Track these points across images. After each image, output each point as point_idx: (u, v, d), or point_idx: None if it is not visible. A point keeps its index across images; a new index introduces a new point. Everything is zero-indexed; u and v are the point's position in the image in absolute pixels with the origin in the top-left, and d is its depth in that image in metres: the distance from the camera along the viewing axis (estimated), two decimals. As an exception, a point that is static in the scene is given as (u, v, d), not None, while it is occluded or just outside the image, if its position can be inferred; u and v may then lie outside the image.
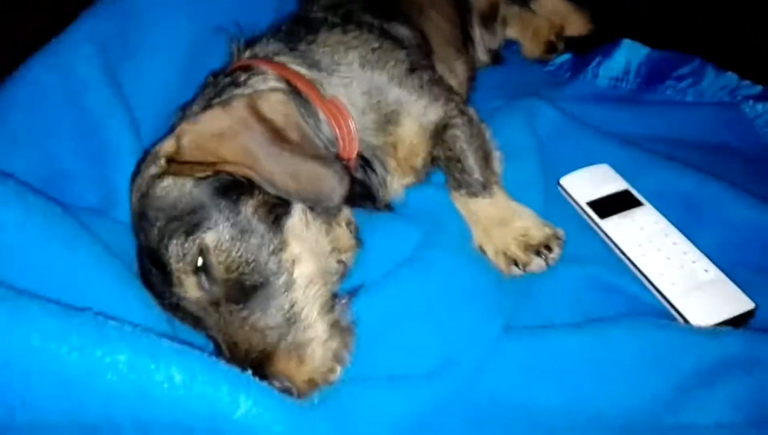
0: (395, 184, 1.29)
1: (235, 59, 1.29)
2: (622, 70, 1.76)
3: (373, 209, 1.29)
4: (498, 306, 1.08)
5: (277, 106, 1.04)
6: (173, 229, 0.92)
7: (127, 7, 1.22)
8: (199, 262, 0.92)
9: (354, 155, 1.20)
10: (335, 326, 0.97)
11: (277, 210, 1.00)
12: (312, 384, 0.91)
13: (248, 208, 0.97)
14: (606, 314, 1.10)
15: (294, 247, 0.99)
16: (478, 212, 1.22)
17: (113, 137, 1.09)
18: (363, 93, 1.22)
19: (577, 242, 1.22)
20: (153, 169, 0.98)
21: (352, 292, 1.05)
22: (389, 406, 0.90)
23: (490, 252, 1.19)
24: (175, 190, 0.95)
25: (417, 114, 1.25)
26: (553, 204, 1.32)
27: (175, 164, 0.96)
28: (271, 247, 0.97)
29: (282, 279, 0.96)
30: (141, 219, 0.96)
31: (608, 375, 0.98)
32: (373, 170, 1.25)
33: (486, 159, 1.26)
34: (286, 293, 0.95)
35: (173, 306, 0.96)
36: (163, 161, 0.97)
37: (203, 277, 0.93)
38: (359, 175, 1.23)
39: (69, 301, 0.79)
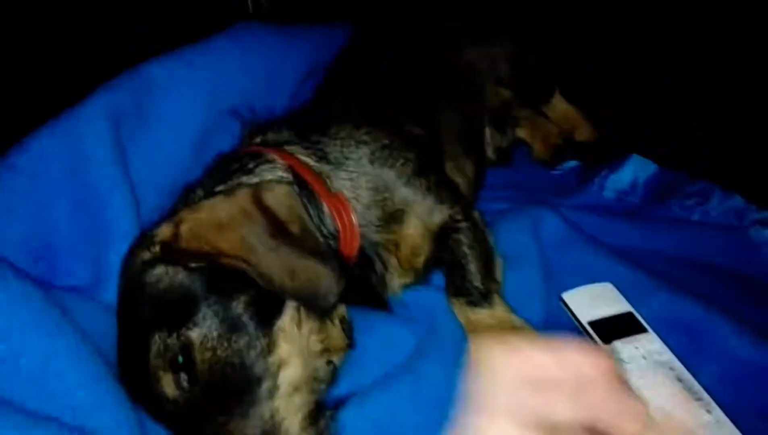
0: (395, 283, 1.27)
1: (246, 143, 1.29)
2: (630, 184, 1.76)
3: (371, 307, 1.25)
4: None
5: (281, 198, 1.03)
6: (158, 322, 0.88)
7: (145, 82, 1.22)
8: (180, 359, 0.87)
9: (354, 251, 1.17)
10: None
11: (269, 307, 0.96)
12: None
13: (240, 304, 0.93)
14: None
15: (282, 350, 0.95)
16: (477, 323, 1.18)
17: (112, 214, 1.06)
18: (369, 189, 1.21)
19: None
20: (146, 255, 0.95)
21: (339, 403, 1.00)
22: None
23: None
24: (166, 278, 0.92)
25: (422, 214, 1.24)
26: (554, 317, 1.28)
27: (171, 252, 0.93)
28: (259, 349, 0.92)
29: (266, 384, 0.91)
30: (126, 305, 0.93)
31: None
32: (373, 268, 1.22)
33: (488, 267, 1.24)
34: (269, 400, 0.90)
35: (148, 403, 0.91)
36: (157, 247, 0.94)
37: (182, 376, 0.88)
38: (358, 271, 1.20)
39: (35, 393, 0.74)
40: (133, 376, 0.91)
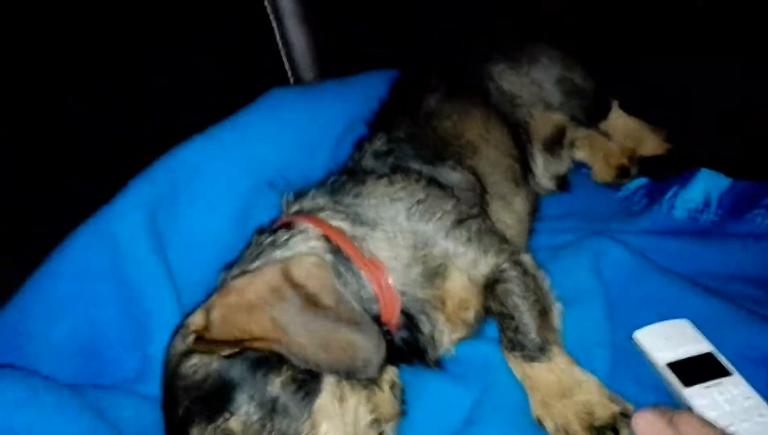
0: (445, 340, 1.21)
1: (285, 213, 1.29)
2: (702, 202, 1.61)
3: (423, 366, 1.20)
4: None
5: (311, 270, 1.01)
6: (196, 412, 0.88)
7: (178, 166, 1.25)
8: None
9: (396, 315, 1.13)
10: None
11: (307, 386, 0.94)
12: None
13: (276, 386, 0.91)
14: None
15: (324, 429, 0.92)
16: (536, 379, 1.10)
17: (152, 305, 1.09)
18: (408, 247, 1.17)
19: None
20: (181, 346, 0.96)
21: None
22: None
23: (549, 427, 1.06)
24: (201, 369, 0.92)
25: (465, 267, 1.18)
26: (622, 363, 1.17)
27: (203, 342, 0.93)
28: (300, 430, 0.90)
29: None
30: (168, 397, 0.94)
31: None
32: (419, 328, 1.17)
33: (543, 315, 1.16)
34: None
35: None
36: (191, 338, 0.94)
37: None
38: (404, 334, 1.16)
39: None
40: None
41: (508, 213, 1.48)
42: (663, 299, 1.29)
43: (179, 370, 0.94)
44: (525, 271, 1.20)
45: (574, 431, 1.02)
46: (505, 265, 1.19)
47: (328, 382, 0.96)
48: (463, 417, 1.09)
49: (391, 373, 1.15)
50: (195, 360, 0.93)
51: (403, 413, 1.12)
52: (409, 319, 1.16)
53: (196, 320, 0.97)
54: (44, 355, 1.00)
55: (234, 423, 0.87)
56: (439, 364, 1.21)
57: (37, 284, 1.04)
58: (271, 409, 0.89)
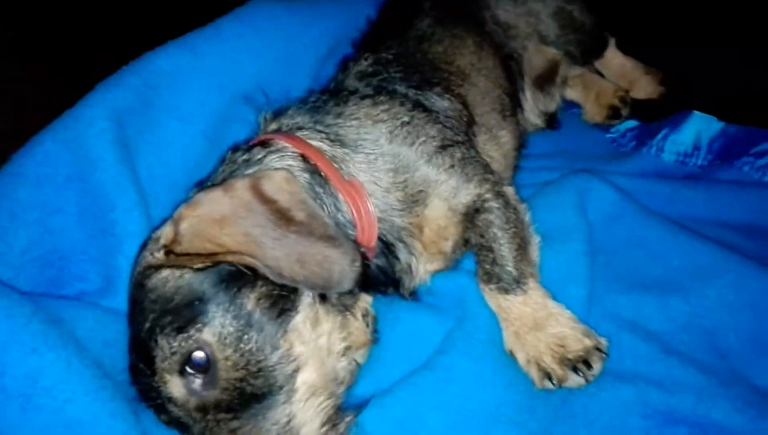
0: (421, 270, 1.18)
1: (262, 130, 1.23)
2: (692, 145, 1.57)
3: (398, 296, 1.18)
4: (524, 430, 0.93)
5: (281, 184, 0.97)
6: (165, 324, 0.85)
7: (149, 76, 1.18)
8: (199, 354, 0.83)
9: (373, 239, 1.09)
10: None
11: (281, 303, 0.91)
12: None
13: (251, 301, 0.88)
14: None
15: (298, 351, 0.90)
16: (510, 311, 1.08)
17: (118, 216, 1.04)
18: (388, 170, 1.13)
19: (630, 354, 1.06)
20: (151, 259, 0.92)
21: (360, 405, 0.94)
22: None
23: (521, 359, 1.05)
24: (171, 282, 0.88)
25: (446, 195, 1.14)
26: (600, 302, 1.16)
27: (173, 256, 0.89)
28: (274, 349, 0.88)
29: (282, 387, 0.87)
30: (135, 309, 0.90)
31: None
32: (396, 256, 1.14)
33: (522, 248, 1.12)
34: (284, 404, 0.86)
35: (158, 407, 0.88)
36: (161, 253, 0.90)
37: (191, 378, 0.84)
38: (380, 261, 1.12)
39: (22, 411, 0.72)
40: (142, 379, 0.88)
41: (494, 146, 1.43)
42: (646, 241, 1.27)
43: (147, 283, 0.89)
44: (507, 203, 1.16)
45: (545, 363, 1.01)
46: (488, 196, 1.15)
47: (304, 304, 0.93)
48: (435, 347, 1.07)
49: (364, 301, 1.13)
50: (165, 273, 0.89)
51: (374, 341, 1.10)
52: (386, 247, 1.12)
53: (165, 233, 0.92)
54: (3, 262, 0.95)
55: (207, 334, 0.84)
56: (414, 294, 1.18)
57: (-3, 185, 0.98)
58: (246, 323, 0.86)
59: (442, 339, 1.07)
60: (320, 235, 0.93)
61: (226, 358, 0.84)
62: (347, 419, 0.90)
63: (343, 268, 0.91)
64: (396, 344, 1.09)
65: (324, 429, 0.87)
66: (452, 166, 1.14)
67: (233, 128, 1.29)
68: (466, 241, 1.18)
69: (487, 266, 1.11)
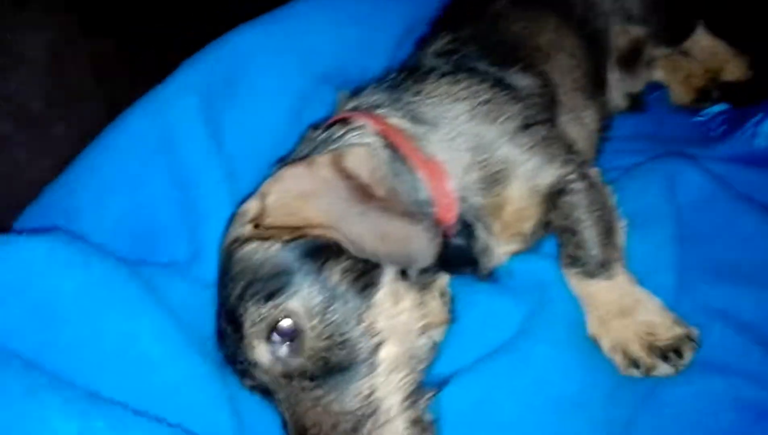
0: (500, 251, 1.15)
1: (341, 109, 1.24)
2: (790, 130, 1.47)
3: (475, 277, 1.16)
4: (608, 419, 0.90)
5: (362, 161, 0.97)
6: (254, 292, 0.87)
7: (231, 55, 1.20)
8: (286, 323, 0.85)
9: (452, 219, 1.08)
10: (416, 424, 0.86)
11: (365, 278, 0.91)
12: None
13: (335, 274, 0.89)
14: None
15: (381, 325, 0.90)
16: (595, 296, 1.04)
17: (206, 190, 1.07)
18: (468, 149, 1.10)
19: (721, 346, 1.00)
20: (239, 232, 0.94)
21: (439, 386, 0.94)
22: None
23: (605, 346, 1.01)
24: (260, 253, 0.90)
25: (527, 175, 1.11)
26: (689, 291, 1.10)
27: (261, 228, 0.92)
28: (358, 323, 0.88)
29: (365, 360, 0.87)
30: (224, 278, 0.93)
31: None
32: (475, 235, 1.12)
33: (608, 232, 1.08)
34: (367, 377, 0.87)
35: (243, 372, 0.91)
36: (249, 227, 0.93)
37: (278, 346, 0.86)
38: (458, 240, 1.10)
39: (119, 374, 0.74)
40: (229, 345, 0.90)
41: (577, 127, 1.38)
42: (739, 228, 1.20)
43: (236, 254, 0.92)
44: (591, 185, 1.12)
45: (632, 351, 0.97)
46: (571, 177, 1.11)
47: (386, 280, 0.93)
48: (512, 330, 1.05)
49: (441, 281, 1.12)
50: (253, 245, 0.91)
51: (452, 321, 1.09)
52: (465, 226, 1.11)
53: (252, 207, 0.95)
54: (94, 231, 0.99)
55: (295, 303, 0.86)
56: (491, 276, 1.16)
57: (89, 159, 1.03)
58: (332, 295, 0.88)
59: (521, 322, 1.05)
60: (400, 212, 0.93)
61: (312, 328, 0.86)
62: (428, 396, 0.90)
63: (422, 244, 0.91)
64: (473, 326, 1.07)
65: (406, 403, 0.87)
66: (534, 146, 1.11)
67: (312, 108, 1.29)
68: (547, 224, 1.15)
69: (571, 250, 1.07)
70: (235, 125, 1.19)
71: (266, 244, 0.90)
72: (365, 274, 0.91)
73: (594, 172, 1.16)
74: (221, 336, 0.93)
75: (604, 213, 1.10)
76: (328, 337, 0.86)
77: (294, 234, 0.90)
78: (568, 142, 1.18)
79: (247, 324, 0.86)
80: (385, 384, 0.87)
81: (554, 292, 1.09)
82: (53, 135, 1.12)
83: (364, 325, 0.88)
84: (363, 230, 0.89)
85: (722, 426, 0.93)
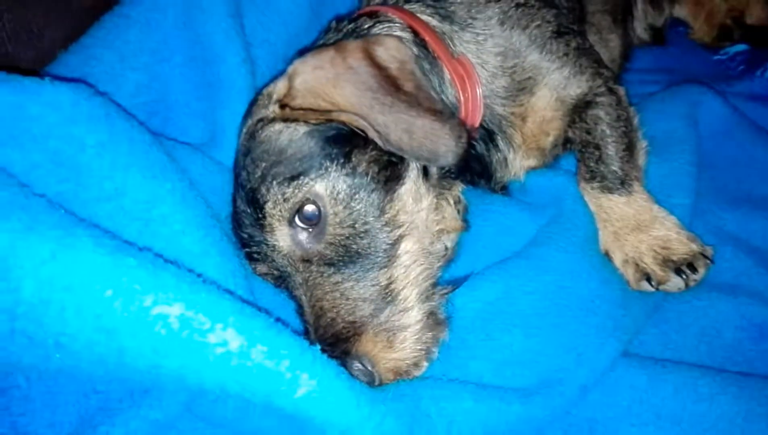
0: (517, 164, 1.14)
1: (366, 2, 1.19)
2: (810, 72, 1.46)
3: (488, 190, 1.15)
4: (618, 326, 0.91)
5: (392, 52, 0.94)
6: (278, 173, 0.85)
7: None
8: (310, 208, 0.83)
9: (477, 122, 1.06)
10: (431, 317, 0.87)
11: (390, 171, 0.90)
12: (395, 374, 0.82)
13: (362, 162, 0.88)
14: (753, 365, 0.91)
15: (402, 219, 0.89)
16: (611, 211, 1.04)
17: (227, 71, 1.02)
18: (497, 54, 1.07)
19: (730, 267, 1.02)
20: (264, 112, 0.91)
21: (456, 283, 0.94)
22: (473, 418, 0.78)
23: (617, 259, 1.02)
24: (285, 134, 0.88)
25: (556, 84, 1.08)
26: (703, 215, 1.11)
27: (288, 109, 0.89)
28: (382, 213, 0.87)
29: (385, 251, 0.87)
30: (246, 158, 0.89)
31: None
32: (496, 144, 1.10)
33: (629, 149, 1.07)
34: (386, 268, 0.86)
35: (259, 255, 0.89)
36: (276, 107, 0.90)
37: (302, 230, 0.85)
38: (480, 148, 1.09)
39: (139, 235, 0.73)
40: (247, 227, 0.88)
41: (603, 49, 1.35)
42: (755, 158, 1.20)
43: (260, 134, 0.89)
44: (619, 101, 1.10)
45: (645, 264, 0.98)
46: (600, 90, 1.09)
47: (410, 176, 0.92)
48: (526, 240, 1.05)
49: (456, 189, 1.11)
50: (278, 126, 0.88)
51: (464, 228, 1.08)
52: (488, 134, 1.09)
53: (279, 88, 0.92)
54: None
55: (320, 186, 0.84)
56: (504, 189, 1.16)
57: (107, 27, 0.98)
58: (357, 183, 0.86)
59: (536, 233, 1.04)
60: (427, 108, 0.90)
61: (335, 214, 0.84)
62: (443, 292, 0.90)
63: (449, 142, 0.89)
64: (487, 235, 1.07)
65: (423, 296, 0.87)
66: (566, 55, 1.08)
67: (335, 2, 1.25)
68: (566, 141, 1.13)
69: (592, 164, 1.06)
70: (256, 11, 1.14)
71: (292, 125, 0.88)
72: (390, 166, 0.90)
73: (621, 90, 1.14)
74: (237, 219, 0.91)
75: (628, 130, 1.09)
76: (350, 225, 0.85)
77: (321, 117, 0.87)
78: (598, 56, 1.16)
79: (269, 205, 0.84)
80: (404, 276, 0.87)
81: (570, 207, 1.08)
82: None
83: (386, 216, 0.87)
84: (389, 121, 0.87)
85: (725, 342, 0.95)
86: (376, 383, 0.80)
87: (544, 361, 0.86)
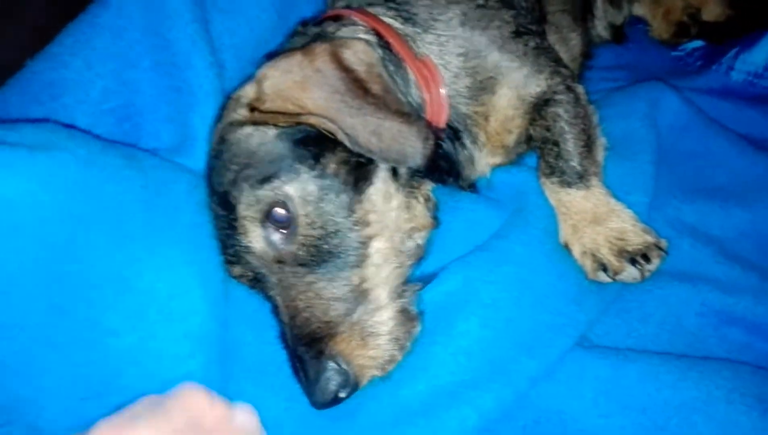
0: (483, 162, 1.17)
1: (330, 6, 1.21)
2: (763, 66, 1.51)
3: (456, 187, 1.17)
4: (570, 322, 0.95)
5: (359, 55, 0.96)
6: (248, 175, 0.87)
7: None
8: (280, 211, 0.85)
9: (441, 123, 1.08)
10: (403, 313, 0.89)
11: (359, 172, 0.92)
12: (368, 371, 0.84)
13: (331, 164, 0.90)
14: (713, 351, 0.95)
15: (372, 219, 0.92)
16: (570, 205, 1.07)
17: (194, 75, 1.02)
18: (459, 54, 1.10)
19: (689, 257, 1.06)
20: (234, 116, 0.93)
21: (426, 280, 0.97)
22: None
23: (576, 251, 1.05)
24: (255, 137, 0.89)
25: (516, 83, 1.11)
26: (662, 207, 1.15)
27: (258, 112, 0.90)
28: (351, 213, 0.89)
29: (357, 250, 0.89)
30: (217, 161, 0.91)
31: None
32: (462, 143, 1.13)
33: (588, 146, 1.11)
34: (358, 267, 0.89)
35: (234, 258, 0.90)
36: (245, 110, 0.91)
37: (274, 232, 0.87)
38: (447, 146, 1.11)
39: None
40: (221, 230, 0.90)
41: (563, 48, 1.39)
42: (711, 151, 1.25)
43: (230, 137, 0.90)
44: (577, 99, 1.13)
45: (602, 256, 1.02)
46: (558, 88, 1.12)
47: (379, 177, 0.94)
48: (489, 234, 1.08)
49: (426, 187, 1.13)
50: (248, 129, 0.90)
51: (435, 226, 1.10)
52: (453, 132, 1.11)
53: (248, 92, 0.93)
54: (79, 107, 0.95)
55: (290, 188, 0.86)
56: (472, 187, 1.18)
57: (73, 35, 0.98)
58: (327, 184, 0.88)
59: (499, 227, 1.07)
60: (395, 111, 0.92)
61: (306, 215, 0.86)
62: (414, 289, 0.93)
63: (416, 144, 0.91)
64: (455, 231, 1.08)
65: (394, 294, 0.89)
66: (525, 55, 1.11)
67: (300, 5, 1.26)
68: (529, 139, 1.16)
69: (551, 160, 1.10)
70: (222, 16, 1.14)
71: (262, 128, 0.89)
72: (359, 168, 0.92)
73: (580, 88, 1.18)
74: (211, 222, 0.91)
75: (586, 127, 1.12)
76: (321, 226, 0.87)
77: (291, 120, 0.89)
78: (556, 56, 1.19)
79: (241, 207, 0.86)
80: (376, 274, 0.89)
81: (532, 201, 1.11)
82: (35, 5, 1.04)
83: (356, 216, 0.89)
84: (357, 124, 0.89)
85: (686, 329, 0.99)
86: (351, 381, 0.82)
87: (496, 352, 0.89)
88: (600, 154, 1.14)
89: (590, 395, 0.87)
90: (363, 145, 0.89)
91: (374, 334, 0.85)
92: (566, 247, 1.07)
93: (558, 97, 1.11)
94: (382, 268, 0.90)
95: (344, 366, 0.82)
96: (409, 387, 0.84)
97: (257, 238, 0.87)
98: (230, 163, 0.88)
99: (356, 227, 0.89)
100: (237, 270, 0.92)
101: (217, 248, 0.91)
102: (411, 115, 0.94)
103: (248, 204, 0.86)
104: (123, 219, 0.78)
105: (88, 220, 0.73)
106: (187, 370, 0.78)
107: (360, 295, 0.87)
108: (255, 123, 0.89)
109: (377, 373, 0.85)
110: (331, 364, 0.81)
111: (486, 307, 0.93)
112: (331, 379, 0.81)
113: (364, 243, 0.89)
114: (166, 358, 0.78)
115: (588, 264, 1.03)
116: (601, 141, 1.16)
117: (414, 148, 0.91)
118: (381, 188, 0.94)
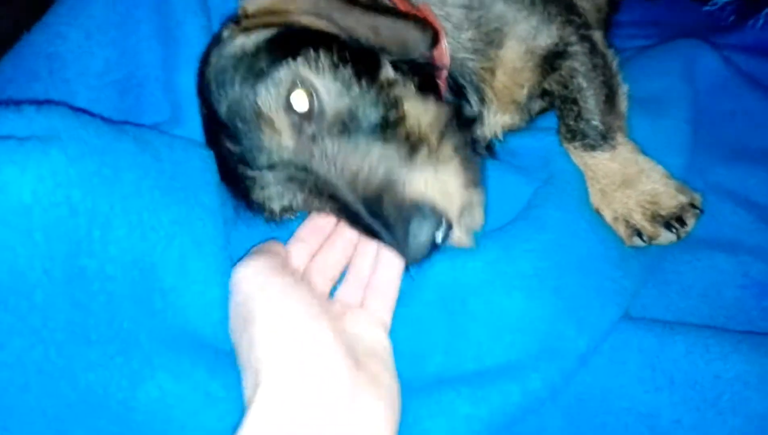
0: (492, 121, 1.08)
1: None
2: (801, 21, 1.42)
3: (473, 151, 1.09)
4: (617, 289, 0.88)
5: None
6: (255, 73, 0.78)
7: None
8: (300, 92, 0.77)
9: (443, 79, 1.00)
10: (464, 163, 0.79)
11: (364, 63, 0.82)
12: (456, 206, 0.75)
13: (332, 52, 0.80)
14: (757, 324, 0.89)
15: (396, 78, 0.83)
16: (596, 168, 1.01)
17: (184, 38, 0.95)
18: (461, 5, 1.02)
19: (729, 224, 0.99)
20: (223, 35, 0.85)
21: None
22: (474, 422, 0.77)
23: (608, 217, 0.99)
24: (251, 40, 0.82)
25: (524, 35, 1.02)
26: (701, 172, 1.08)
27: (247, 19, 0.85)
28: (373, 79, 0.81)
29: (390, 109, 0.80)
30: (217, 82, 0.81)
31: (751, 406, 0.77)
32: (467, 100, 1.04)
33: (609, 100, 1.02)
34: (399, 125, 0.79)
35: (268, 169, 0.80)
36: (233, 26, 0.85)
37: (301, 116, 0.78)
38: (450, 98, 1.02)
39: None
40: (242, 148, 0.80)
41: (586, -1, 1.29)
42: (752, 112, 1.17)
43: (225, 51, 0.82)
44: (593, 49, 1.04)
45: (635, 221, 0.95)
46: (571, 39, 1.03)
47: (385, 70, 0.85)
48: (522, 203, 1.01)
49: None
50: (240, 39, 0.82)
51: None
52: (457, 88, 1.03)
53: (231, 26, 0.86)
54: (80, 81, 0.89)
55: (302, 67, 0.78)
56: (491, 150, 1.11)
57: (68, 2, 0.91)
58: (336, 60, 0.80)
59: (531, 195, 1.01)
60: (385, 11, 0.88)
61: (326, 88, 0.78)
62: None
63: (415, 33, 0.85)
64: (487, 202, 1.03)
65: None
66: (533, 3, 1.02)
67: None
68: (543, 93, 1.08)
69: (571, 123, 1.02)
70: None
71: (254, 33, 0.82)
72: (363, 56, 0.84)
73: (597, 35, 1.08)
74: (224, 155, 0.84)
75: (606, 78, 1.04)
76: (345, 93, 0.79)
77: (283, 20, 0.83)
78: (569, 2, 1.09)
79: (260, 99, 0.77)
80: (417, 126, 0.81)
81: (561, 167, 1.03)
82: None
83: (379, 81, 0.82)
84: (351, 23, 0.84)
85: (726, 302, 0.93)
86: (441, 221, 0.73)
87: (543, 327, 0.82)
88: (623, 105, 1.06)
89: (635, 370, 0.81)
90: (362, 38, 0.83)
91: (441, 167, 0.76)
92: (598, 213, 1.00)
93: (572, 48, 1.03)
94: (422, 118, 0.81)
95: (429, 209, 0.72)
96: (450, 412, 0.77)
97: (286, 130, 0.78)
98: (233, 71, 0.80)
99: (383, 90, 0.81)
100: (265, 193, 0.82)
101: (239, 181, 0.84)
102: (403, 13, 0.88)
103: (267, 92, 0.77)
104: (141, 208, 0.72)
105: (106, 213, 0.67)
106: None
107: (416, 142, 0.78)
108: (245, 30, 0.83)
109: (465, 208, 0.77)
110: (416, 214, 0.72)
111: (528, 278, 0.86)
112: (422, 225, 0.72)
113: (396, 102, 0.81)
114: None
115: (622, 230, 0.97)
116: (624, 88, 1.07)
117: (414, 37, 0.85)
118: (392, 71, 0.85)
